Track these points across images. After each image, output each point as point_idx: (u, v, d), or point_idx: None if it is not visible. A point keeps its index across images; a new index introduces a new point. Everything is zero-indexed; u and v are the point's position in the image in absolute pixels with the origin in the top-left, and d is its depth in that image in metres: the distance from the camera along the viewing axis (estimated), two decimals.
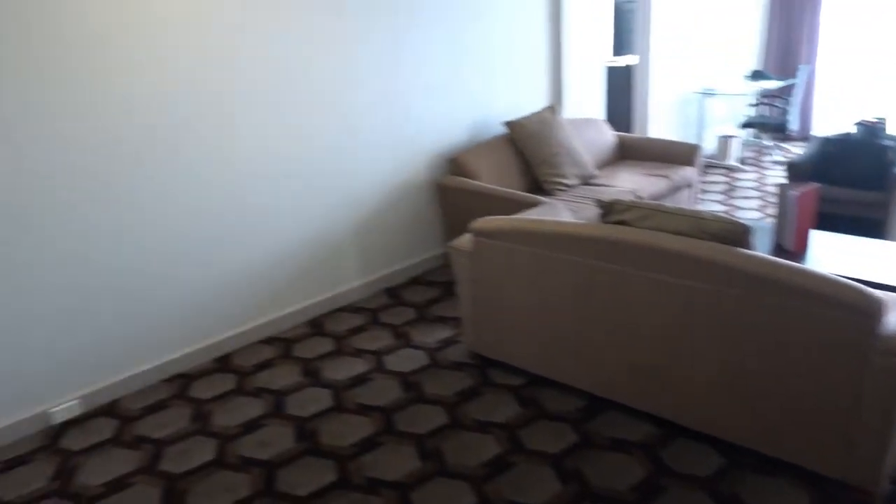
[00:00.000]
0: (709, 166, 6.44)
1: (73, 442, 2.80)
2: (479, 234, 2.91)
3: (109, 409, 3.01)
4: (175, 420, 2.90)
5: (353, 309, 3.87)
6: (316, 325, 3.70)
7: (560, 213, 3.35)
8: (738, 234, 2.34)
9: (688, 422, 2.49)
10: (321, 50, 3.52)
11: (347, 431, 2.73)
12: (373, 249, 4.03)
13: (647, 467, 2.40)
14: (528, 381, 3.00)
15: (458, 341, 3.40)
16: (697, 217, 2.44)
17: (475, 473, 2.43)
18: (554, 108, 4.44)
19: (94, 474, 2.58)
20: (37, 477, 2.58)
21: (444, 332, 3.51)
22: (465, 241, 3.07)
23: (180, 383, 3.20)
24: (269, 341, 3.55)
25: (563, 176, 4.18)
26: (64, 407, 2.93)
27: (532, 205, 3.65)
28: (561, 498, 2.29)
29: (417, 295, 4.00)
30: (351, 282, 3.96)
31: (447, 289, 4.05)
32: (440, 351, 3.32)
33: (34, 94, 2.64)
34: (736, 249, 2.26)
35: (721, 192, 5.65)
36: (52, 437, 2.83)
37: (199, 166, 3.18)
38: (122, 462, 2.64)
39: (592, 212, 3.75)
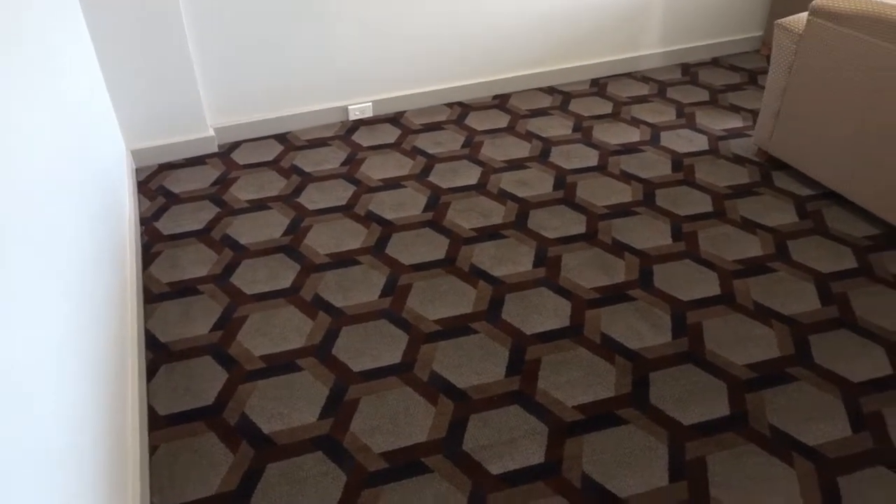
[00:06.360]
0: None
1: (362, 138, 3.13)
2: (819, 13, 2.45)
3: (395, 118, 3.28)
4: (449, 142, 3.08)
5: (640, 77, 3.63)
6: (598, 86, 3.55)
7: None
8: None
9: None
10: None
11: (605, 193, 2.70)
12: (679, 19, 3.63)
13: None
14: (817, 194, 2.66)
15: (747, 135, 3.07)
16: None
17: (726, 266, 2.31)
18: None
19: (375, 169, 2.89)
20: (331, 159, 2.97)
21: (733, 122, 3.18)
22: (797, 20, 2.61)
23: (459, 111, 3.34)
24: (548, 91, 3.51)
25: None
26: (359, 107, 3.25)
27: None
28: (815, 315, 2.10)
29: (715, 77, 3.61)
30: (645, 49, 3.67)
31: (751, 78, 3.59)
32: (724, 140, 3.04)
33: None
34: None
35: None
36: (347, 131, 3.19)
37: None
38: (398, 165, 2.92)
39: None
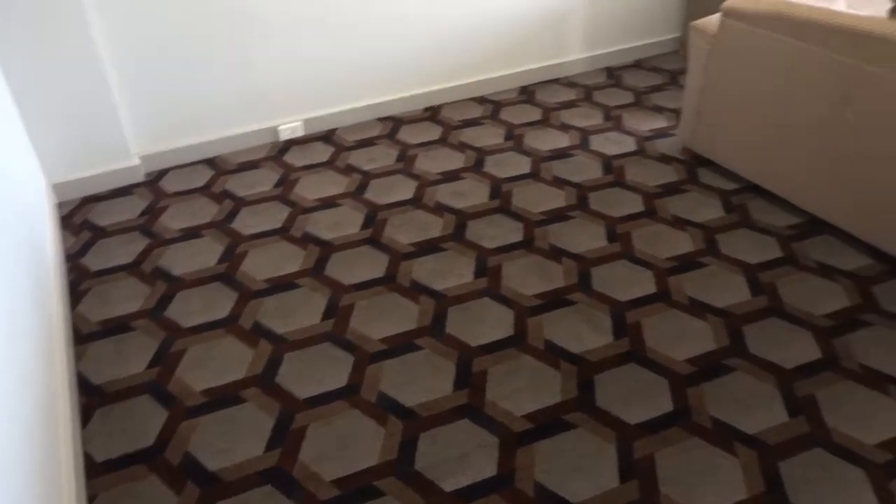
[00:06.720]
0: None
1: (294, 158, 3.09)
2: (730, 14, 2.54)
3: (327, 136, 3.25)
4: (383, 157, 3.07)
5: (567, 83, 3.70)
6: (527, 93, 3.61)
7: (835, 3, 2.81)
8: None
9: None
10: None
11: (540, 200, 2.74)
12: (601, 24, 3.72)
13: (853, 298, 2.19)
14: (741, 187, 2.76)
15: (672, 134, 3.17)
16: None
17: (660, 264, 2.37)
18: None
19: (309, 189, 2.86)
20: (264, 181, 2.92)
21: (658, 123, 3.27)
22: (710, 22, 2.71)
23: (392, 125, 3.34)
24: (479, 100, 3.54)
25: None
26: (290, 126, 3.20)
27: None
28: (746, 306, 2.18)
29: (639, 79, 3.71)
30: (570, 55, 3.74)
31: (672, 78, 3.71)
32: (650, 140, 3.13)
33: None
34: None
35: None
36: (278, 151, 3.14)
37: None
38: (333, 184, 2.89)
39: (878, 9, 3.10)
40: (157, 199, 2.80)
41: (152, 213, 2.72)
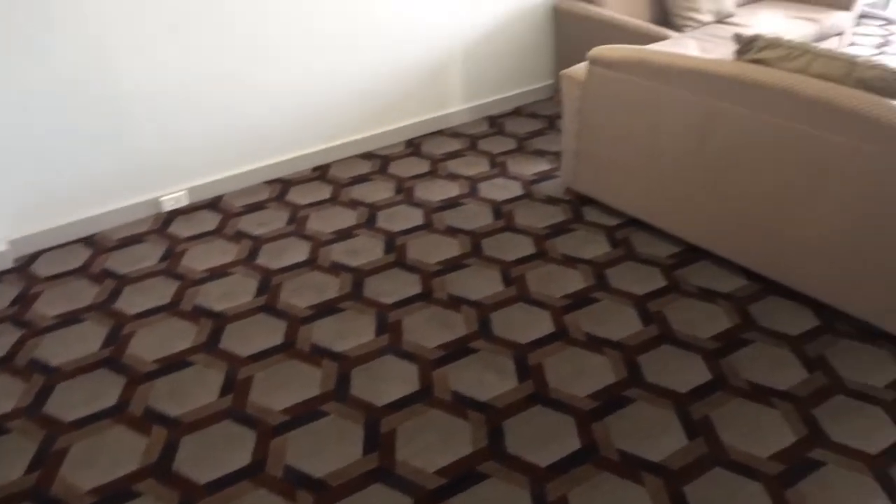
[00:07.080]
0: (863, 16, 5.66)
1: (180, 229, 2.98)
2: (596, 62, 2.70)
3: (213, 204, 3.17)
4: (273, 220, 3.02)
5: (452, 133, 3.80)
6: (413, 146, 3.67)
7: (688, 48, 3.05)
8: None
9: (789, 280, 2.36)
10: None
11: (434, 250, 2.76)
12: (479, 76, 3.86)
13: (733, 319, 2.33)
14: (623, 222, 2.90)
15: (555, 176, 3.30)
16: (850, 61, 2.15)
17: (556, 304, 2.43)
18: None
19: (197, 260, 2.76)
20: (148, 256, 2.79)
21: (541, 166, 3.40)
22: (578, 70, 2.86)
23: (280, 187, 3.29)
24: (366, 156, 3.57)
25: (698, 10, 3.77)
26: (173, 196, 3.10)
27: (658, 39, 3.34)
28: (639, 336, 2.27)
29: (519, 126, 3.86)
30: (453, 106, 3.85)
31: (550, 123, 3.88)
32: (535, 184, 3.24)
33: None
34: (892, 102, 1.99)
35: (874, 47, 5.00)
36: (162, 223, 3.02)
37: None
38: (223, 252, 2.80)
39: (725, 51, 3.40)
40: (30, 286, 2.62)
41: (24, 300, 2.53)
